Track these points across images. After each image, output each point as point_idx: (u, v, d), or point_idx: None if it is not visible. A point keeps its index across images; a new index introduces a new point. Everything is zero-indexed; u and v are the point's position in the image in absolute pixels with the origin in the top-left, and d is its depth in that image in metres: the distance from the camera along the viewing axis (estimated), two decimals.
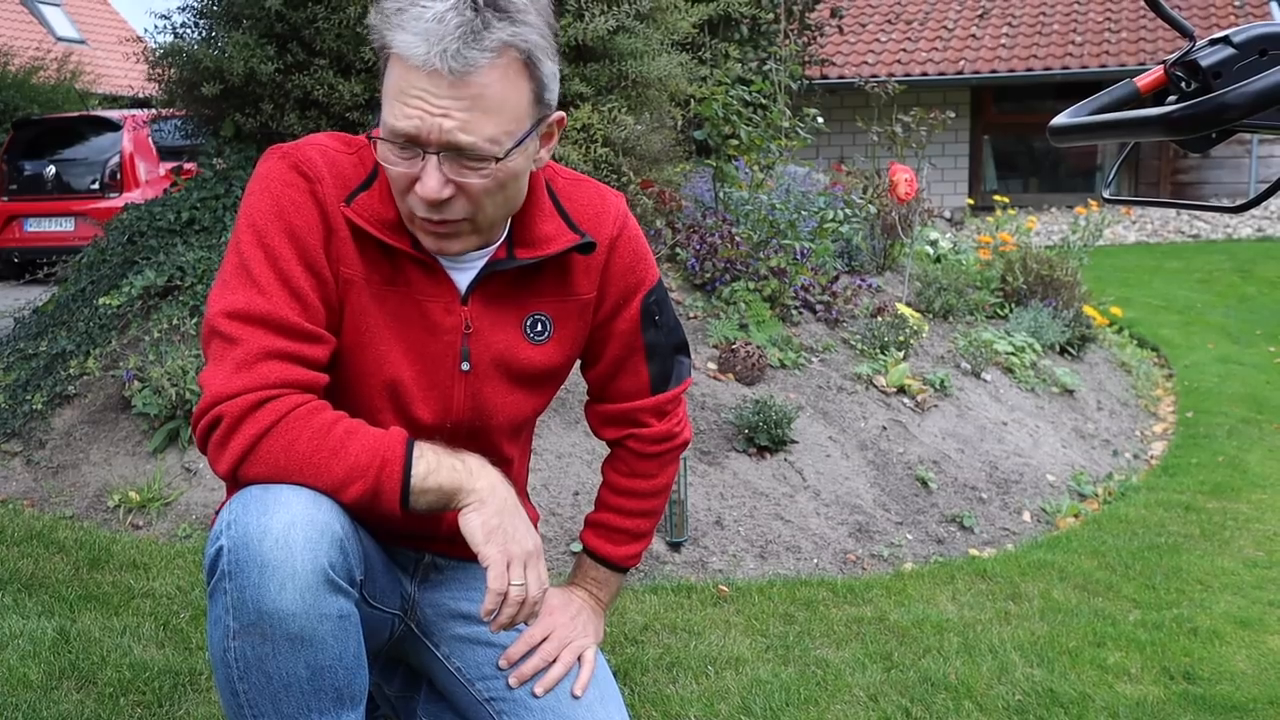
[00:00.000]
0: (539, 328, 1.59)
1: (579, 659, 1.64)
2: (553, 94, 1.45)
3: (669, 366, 1.72)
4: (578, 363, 1.73)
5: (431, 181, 1.38)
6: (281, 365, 1.40)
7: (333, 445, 1.37)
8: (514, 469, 1.68)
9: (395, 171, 1.41)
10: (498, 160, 1.39)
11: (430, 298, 1.52)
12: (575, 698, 1.59)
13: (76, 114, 11.77)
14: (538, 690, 1.59)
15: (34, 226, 10.20)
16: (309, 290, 1.44)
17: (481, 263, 1.53)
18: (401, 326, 1.51)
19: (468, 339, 1.54)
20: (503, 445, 1.64)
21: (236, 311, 1.41)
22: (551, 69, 1.43)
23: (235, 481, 1.40)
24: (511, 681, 1.60)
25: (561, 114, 1.49)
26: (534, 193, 1.55)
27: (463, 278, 1.53)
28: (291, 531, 1.31)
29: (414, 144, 1.38)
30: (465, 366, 1.55)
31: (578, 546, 3.20)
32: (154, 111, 5.66)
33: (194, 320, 3.85)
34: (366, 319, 1.50)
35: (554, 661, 1.62)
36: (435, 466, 1.40)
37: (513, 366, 1.59)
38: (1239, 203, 1.29)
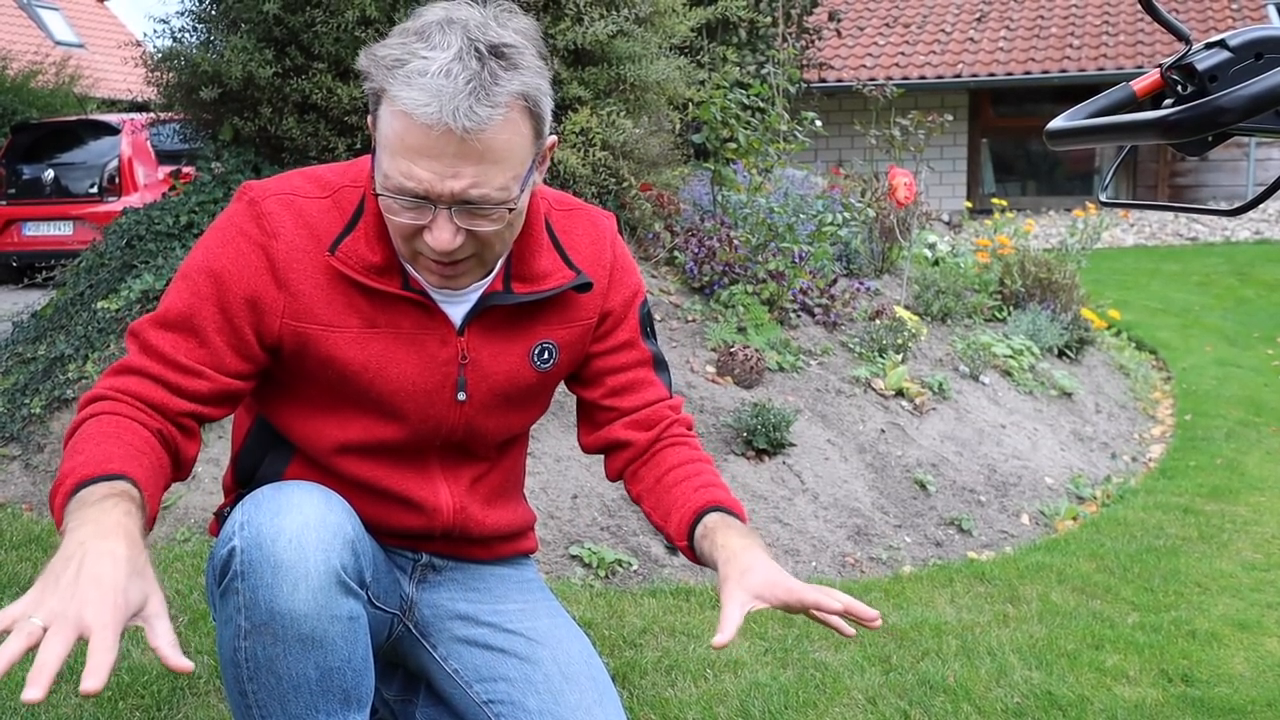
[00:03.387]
0: (546, 355, 1.60)
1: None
2: (548, 123, 1.43)
3: (668, 374, 1.74)
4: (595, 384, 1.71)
5: (444, 235, 1.37)
6: (140, 381, 1.42)
7: (77, 445, 1.35)
8: (493, 469, 1.67)
9: (399, 222, 1.39)
10: (512, 208, 1.40)
11: (423, 330, 1.51)
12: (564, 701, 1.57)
13: (75, 118, 11.79)
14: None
15: (32, 230, 10.21)
16: (212, 332, 1.45)
17: (475, 296, 1.53)
18: (389, 367, 1.51)
19: (464, 369, 1.54)
20: (481, 450, 1.65)
21: (136, 327, 1.46)
22: (549, 103, 1.41)
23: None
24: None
25: (553, 138, 1.48)
26: (532, 227, 1.55)
27: (456, 310, 1.53)
28: (305, 532, 1.32)
29: (422, 199, 1.36)
30: (461, 397, 1.55)
31: (577, 549, 3.20)
32: (152, 115, 5.66)
33: None
34: (331, 367, 1.49)
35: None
36: (74, 507, 1.25)
37: (514, 394, 1.60)
38: (1236, 205, 1.29)
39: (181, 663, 1.11)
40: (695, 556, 1.59)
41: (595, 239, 1.63)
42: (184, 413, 1.44)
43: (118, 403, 1.40)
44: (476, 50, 1.32)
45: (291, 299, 1.46)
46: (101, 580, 1.13)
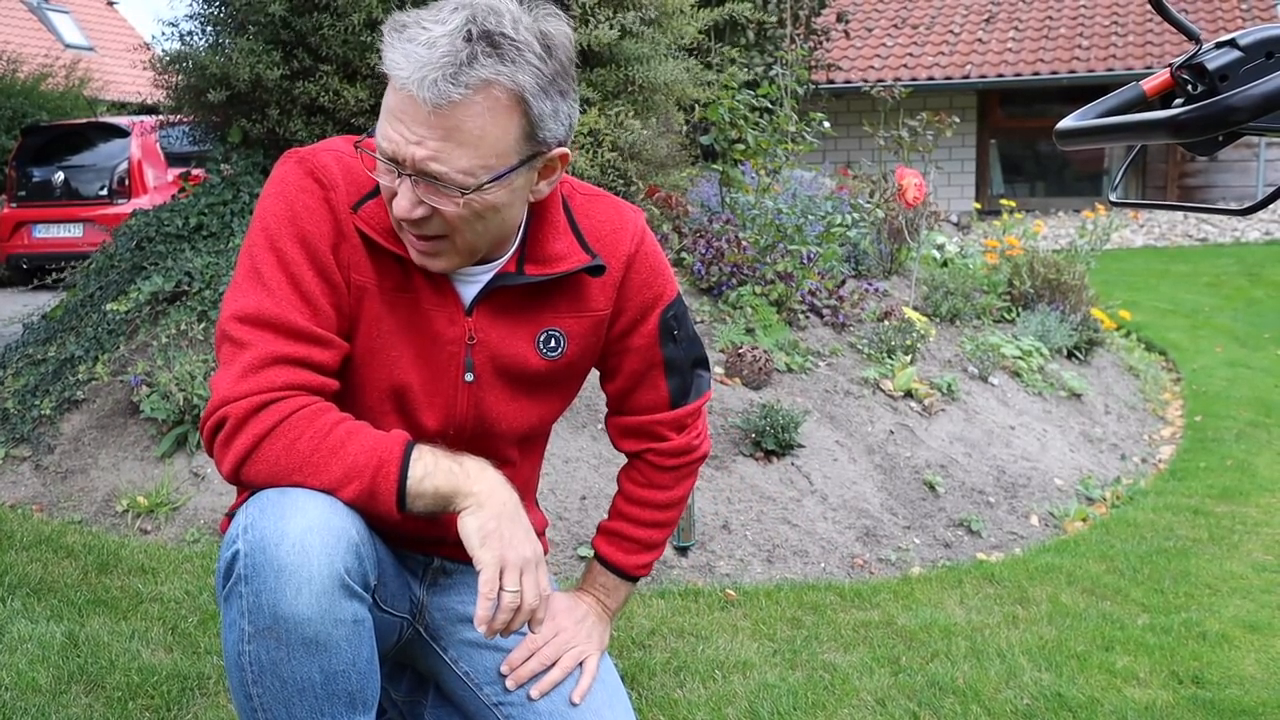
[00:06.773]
0: (553, 343, 1.59)
1: (580, 665, 1.64)
2: (551, 131, 1.42)
3: (688, 381, 1.72)
4: (595, 373, 1.74)
5: (403, 201, 1.40)
6: (289, 370, 1.41)
7: (332, 445, 1.38)
8: (517, 471, 1.68)
9: (381, 183, 1.44)
10: (468, 192, 1.39)
11: (435, 307, 1.52)
12: (573, 704, 1.59)
13: (84, 120, 11.83)
14: (534, 693, 1.60)
15: (42, 233, 10.26)
16: (320, 295, 1.44)
17: (487, 276, 1.54)
18: (410, 334, 1.52)
19: (471, 350, 1.54)
20: (504, 449, 1.65)
21: (246, 315, 1.42)
22: (550, 108, 1.40)
23: (239, 481, 1.41)
24: (510, 684, 1.61)
25: (564, 150, 1.47)
26: (549, 209, 1.55)
27: (468, 290, 1.54)
28: (308, 536, 1.32)
29: (393, 162, 1.39)
30: (469, 377, 1.55)
31: (586, 551, 3.20)
32: (161, 118, 5.68)
33: (202, 325, 3.86)
34: (379, 325, 1.51)
35: (553, 666, 1.62)
36: (432, 469, 1.40)
37: (520, 379, 1.59)
38: (1245, 205, 1.29)
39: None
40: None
41: (617, 226, 1.62)
42: (331, 392, 1.45)
43: (294, 399, 1.40)
44: (468, 33, 1.34)
45: (353, 250, 1.48)
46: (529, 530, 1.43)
